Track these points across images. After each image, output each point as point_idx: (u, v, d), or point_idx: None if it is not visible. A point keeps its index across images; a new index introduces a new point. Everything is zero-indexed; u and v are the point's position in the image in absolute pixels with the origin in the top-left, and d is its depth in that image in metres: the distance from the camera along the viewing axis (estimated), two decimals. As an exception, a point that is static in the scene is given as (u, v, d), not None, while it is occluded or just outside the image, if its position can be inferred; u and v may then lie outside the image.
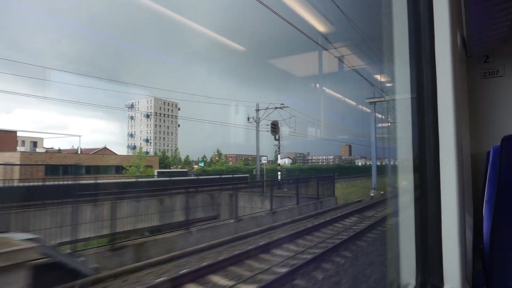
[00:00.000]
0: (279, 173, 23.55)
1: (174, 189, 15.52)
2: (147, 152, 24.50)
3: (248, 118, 25.80)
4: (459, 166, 1.27)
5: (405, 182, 1.44)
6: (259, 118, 26.18)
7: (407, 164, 1.44)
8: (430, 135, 1.36)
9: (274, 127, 23.48)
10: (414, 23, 1.47)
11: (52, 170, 21.37)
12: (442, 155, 1.30)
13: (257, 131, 27.37)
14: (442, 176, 1.29)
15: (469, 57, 3.22)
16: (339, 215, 12.62)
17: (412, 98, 1.45)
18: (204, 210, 15.05)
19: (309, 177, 25.13)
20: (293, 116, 25.89)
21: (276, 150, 24.44)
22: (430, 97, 1.37)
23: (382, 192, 21.86)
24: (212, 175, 29.32)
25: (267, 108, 25.72)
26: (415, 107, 1.43)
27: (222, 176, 27.41)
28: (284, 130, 25.62)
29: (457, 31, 1.63)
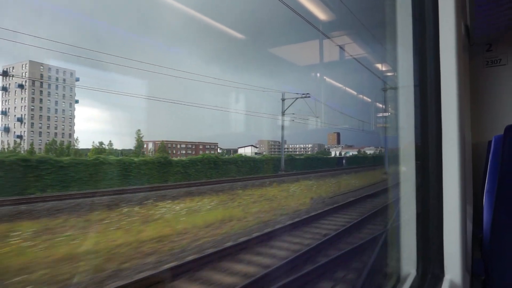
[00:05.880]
0: None
1: None
2: (20, 136, 18.07)
3: None
4: (461, 156, 1.25)
5: (407, 171, 1.41)
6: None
7: (409, 153, 1.41)
8: (433, 124, 1.34)
9: None
10: (419, 10, 1.43)
11: None
12: (445, 145, 1.27)
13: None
14: (444, 166, 1.26)
15: (471, 46, 3.11)
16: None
17: (415, 86, 1.42)
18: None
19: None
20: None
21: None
22: (433, 85, 1.34)
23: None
24: None
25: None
26: (418, 95, 1.40)
27: None
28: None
29: (461, 19, 1.68)
